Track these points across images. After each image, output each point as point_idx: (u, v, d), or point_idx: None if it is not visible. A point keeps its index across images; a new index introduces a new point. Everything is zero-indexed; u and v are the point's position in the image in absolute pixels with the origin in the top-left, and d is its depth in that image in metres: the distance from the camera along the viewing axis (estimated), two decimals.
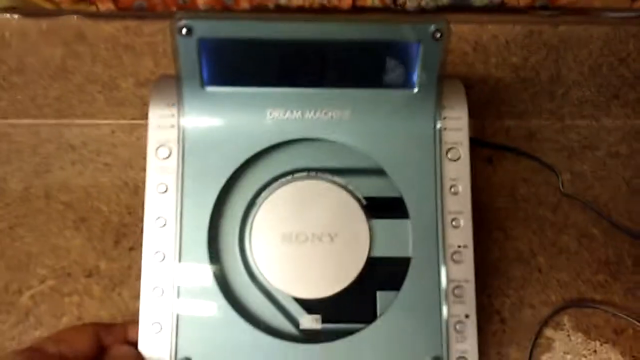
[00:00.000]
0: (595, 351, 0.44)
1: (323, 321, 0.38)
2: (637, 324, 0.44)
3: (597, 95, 0.59)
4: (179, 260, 0.39)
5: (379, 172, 0.39)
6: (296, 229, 0.38)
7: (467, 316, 0.38)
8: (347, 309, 0.38)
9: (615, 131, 0.61)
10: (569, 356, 0.43)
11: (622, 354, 0.43)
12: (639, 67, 0.56)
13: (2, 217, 0.51)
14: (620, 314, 0.44)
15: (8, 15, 0.50)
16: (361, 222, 0.38)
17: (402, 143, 0.39)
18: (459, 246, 0.39)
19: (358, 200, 0.38)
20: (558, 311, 0.45)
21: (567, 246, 0.50)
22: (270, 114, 0.38)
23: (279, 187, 0.39)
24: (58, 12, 0.49)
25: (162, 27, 0.50)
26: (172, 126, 0.39)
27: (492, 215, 0.52)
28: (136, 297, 0.46)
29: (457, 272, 0.38)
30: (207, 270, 0.38)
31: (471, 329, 0.38)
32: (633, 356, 0.43)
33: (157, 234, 0.39)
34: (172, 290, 0.39)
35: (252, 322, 0.38)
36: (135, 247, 0.49)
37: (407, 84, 0.37)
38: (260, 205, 0.39)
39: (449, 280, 0.38)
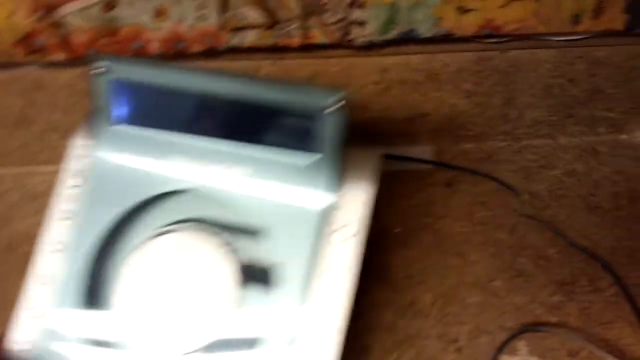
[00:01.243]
0: None
1: None
2: (591, 345, 0.45)
3: (551, 115, 0.60)
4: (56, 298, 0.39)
5: (262, 235, 0.38)
6: (166, 281, 0.37)
7: None
8: None
9: (571, 149, 0.62)
10: None
11: None
12: (589, 86, 0.58)
13: None
14: (572, 338, 0.45)
15: None
16: (231, 285, 0.37)
17: (291, 211, 0.37)
18: (324, 333, 0.36)
19: (233, 262, 0.37)
20: (513, 337, 0.45)
21: (524, 268, 0.50)
22: (172, 160, 0.38)
23: (161, 235, 0.38)
24: (13, 64, 0.50)
25: None
26: (86, 157, 0.40)
27: (450, 241, 0.53)
28: None
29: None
30: (80, 298, 0.38)
31: None
32: None
33: (49, 259, 0.39)
34: (48, 314, 0.39)
35: None
36: None
37: (307, 150, 0.36)
38: (140, 250, 0.38)
39: None
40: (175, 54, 0.50)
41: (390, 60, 0.54)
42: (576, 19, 0.50)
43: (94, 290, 0.39)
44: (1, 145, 0.55)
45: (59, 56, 0.48)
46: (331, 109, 0.34)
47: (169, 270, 0.37)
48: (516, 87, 0.57)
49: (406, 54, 0.53)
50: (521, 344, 0.45)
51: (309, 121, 0.35)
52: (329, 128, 0.35)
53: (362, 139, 0.62)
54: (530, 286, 0.49)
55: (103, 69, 0.36)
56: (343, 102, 0.34)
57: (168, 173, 0.38)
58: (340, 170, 0.37)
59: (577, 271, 0.50)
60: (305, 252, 0.37)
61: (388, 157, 0.60)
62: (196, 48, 0.49)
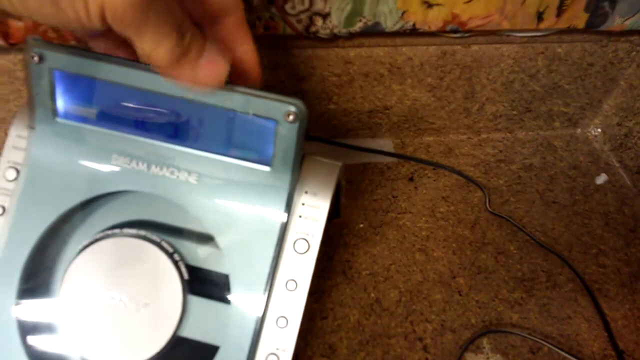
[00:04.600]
0: None
1: None
2: (549, 344, 0.45)
3: (510, 109, 0.60)
4: None
5: (212, 245, 0.36)
6: (107, 289, 0.35)
7: None
8: None
9: (528, 143, 0.63)
10: None
11: None
12: (548, 82, 0.58)
13: None
14: (532, 337, 0.46)
15: None
16: (177, 295, 0.35)
17: (245, 222, 0.35)
18: (278, 349, 0.35)
19: (180, 271, 0.35)
20: (477, 337, 0.46)
21: (485, 265, 0.51)
22: (115, 159, 0.36)
23: (103, 239, 0.35)
24: None
25: None
26: (23, 149, 0.37)
27: (414, 237, 0.52)
28: None
29: None
30: (8, 313, 0.35)
31: None
32: None
33: None
34: None
35: None
36: None
37: (261, 160, 0.35)
38: (78, 255, 0.35)
39: None
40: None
41: (353, 52, 0.52)
42: (540, 15, 0.50)
43: (30, 292, 0.36)
44: None
45: None
46: (288, 119, 0.32)
47: (114, 276, 0.35)
48: (478, 82, 0.57)
49: (370, 46, 0.52)
50: (485, 342, 0.46)
51: (265, 131, 0.33)
52: (286, 139, 0.33)
53: (324, 131, 0.61)
54: (492, 283, 0.50)
55: (42, 58, 0.33)
56: (301, 113, 0.32)
57: (111, 172, 0.36)
58: (297, 181, 0.36)
59: (536, 267, 0.51)
60: (259, 262, 0.35)
61: (349, 148, 0.59)
62: None
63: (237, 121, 0.33)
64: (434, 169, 0.59)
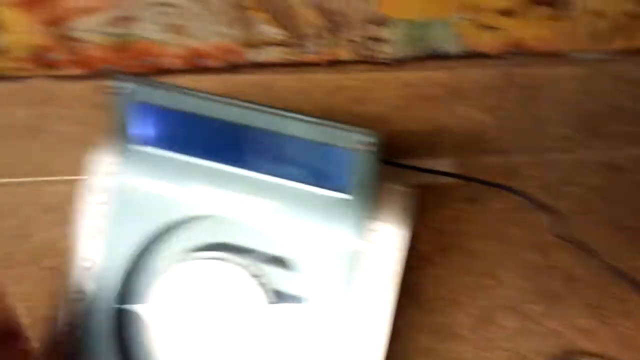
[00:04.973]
0: None
1: None
2: None
3: (574, 130, 0.59)
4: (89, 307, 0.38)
5: (291, 268, 0.37)
6: (193, 308, 0.36)
7: None
8: None
9: (594, 164, 0.61)
10: None
11: None
12: (612, 102, 0.57)
13: None
14: None
15: None
16: (261, 314, 0.36)
17: (322, 247, 0.36)
18: None
19: (263, 291, 0.36)
20: None
21: (555, 291, 0.49)
22: (197, 185, 0.37)
23: (186, 261, 0.37)
24: (24, 77, 0.48)
25: None
26: (109, 175, 0.39)
27: (480, 260, 0.51)
28: None
29: None
30: (107, 320, 0.38)
31: None
32: None
33: (81, 274, 0.38)
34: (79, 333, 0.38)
35: None
36: None
37: (338, 188, 0.35)
38: (163, 277, 0.37)
39: None
40: (193, 69, 0.48)
41: (412, 75, 0.53)
42: (602, 37, 0.49)
43: (122, 312, 0.38)
44: (13, 156, 0.54)
45: (73, 71, 0.46)
46: (364, 149, 0.33)
47: (197, 296, 0.36)
48: (540, 103, 0.56)
49: (428, 69, 0.52)
50: None
51: (342, 160, 0.34)
52: (361, 169, 0.34)
53: (384, 152, 0.61)
54: (563, 309, 0.48)
55: (125, 90, 0.35)
56: (376, 144, 0.33)
57: (192, 198, 0.37)
58: (372, 208, 0.36)
59: (606, 293, 0.49)
60: (337, 291, 0.36)
61: (411, 169, 0.59)
62: (215, 63, 0.48)
63: (316, 150, 0.34)
64: (497, 190, 0.58)
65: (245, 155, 0.36)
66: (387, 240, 0.36)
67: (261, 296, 0.36)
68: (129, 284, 0.38)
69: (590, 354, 0.45)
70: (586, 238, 0.54)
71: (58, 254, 0.51)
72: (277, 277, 0.36)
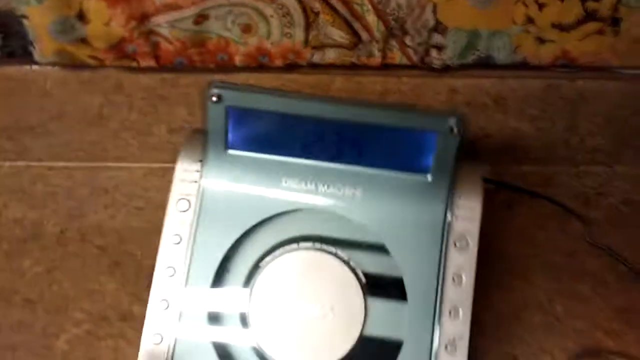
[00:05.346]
0: None
1: None
2: None
3: (611, 144, 0.61)
4: (180, 311, 0.40)
5: (382, 250, 0.40)
6: (294, 298, 0.39)
7: None
8: None
9: (629, 178, 0.63)
10: None
11: None
12: None
13: (39, 261, 0.53)
14: None
15: (50, 67, 0.52)
16: (358, 298, 0.38)
17: (410, 226, 0.39)
18: (454, 338, 0.38)
19: (358, 276, 0.39)
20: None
21: (583, 294, 0.52)
22: (285, 182, 0.40)
23: (283, 253, 0.40)
24: (101, 66, 0.52)
25: (197, 80, 0.53)
26: (194, 182, 0.41)
27: (510, 262, 0.54)
28: None
29: None
30: (205, 326, 0.40)
31: None
32: None
33: (166, 283, 0.41)
34: (170, 339, 0.40)
35: None
36: None
37: (421, 170, 0.38)
38: (263, 270, 0.40)
39: None
40: (257, 67, 0.51)
41: (460, 82, 0.55)
42: None
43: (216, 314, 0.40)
44: (75, 141, 0.57)
45: (148, 63, 0.50)
46: (450, 131, 0.36)
47: (298, 287, 0.39)
48: (580, 115, 0.58)
49: (477, 77, 0.55)
50: None
51: (426, 143, 0.37)
52: (446, 149, 0.37)
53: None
54: (590, 311, 0.50)
55: (220, 97, 0.37)
56: (462, 125, 0.36)
57: (282, 194, 0.40)
58: (453, 186, 0.40)
59: (636, 300, 0.51)
60: (429, 265, 0.39)
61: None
62: (278, 62, 0.51)
63: (399, 136, 0.37)
64: (531, 197, 0.60)
65: (332, 148, 0.39)
66: (467, 214, 0.39)
67: (356, 282, 0.38)
68: (221, 283, 0.40)
69: (614, 353, 0.47)
70: (617, 246, 0.56)
71: (107, 234, 0.55)
72: (370, 262, 0.39)
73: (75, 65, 0.51)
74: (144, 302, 0.50)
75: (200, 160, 0.41)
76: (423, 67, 0.52)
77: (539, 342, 0.48)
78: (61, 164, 0.59)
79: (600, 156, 0.62)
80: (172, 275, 0.41)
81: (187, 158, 0.42)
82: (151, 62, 0.49)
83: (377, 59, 0.50)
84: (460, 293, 0.39)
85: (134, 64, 0.50)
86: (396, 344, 0.39)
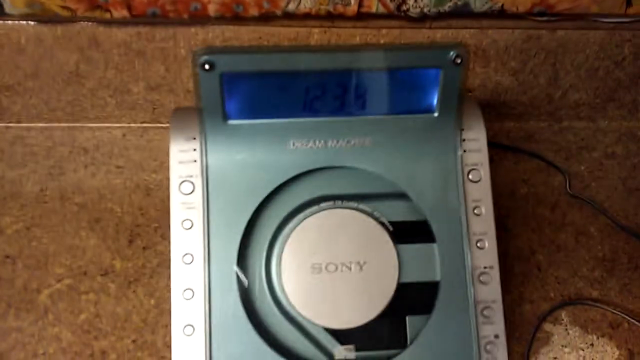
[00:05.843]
0: (592, 344, 0.45)
1: (356, 350, 0.38)
2: (631, 319, 0.46)
3: (594, 97, 0.61)
4: (208, 297, 0.38)
5: (402, 196, 0.39)
6: (325, 258, 0.38)
7: (496, 336, 0.39)
8: (379, 336, 0.38)
9: (611, 133, 0.63)
10: (566, 349, 0.45)
11: (618, 346, 0.45)
12: (634, 70, 0.58)
13: (18, 218, 0.53)
14: (614, 311, 0.46)
15: (24, 22, 0.51)
16: (389, 248, 0.38)
17: (424, 167, 0.39)
18: (485, 267, 0.39)
19: (384, 226, 0.39)
20: (555, 308, 0.46)
21: (565, 244, 0.51)
22: (293, 144, 0.39)
23: (306, 217, 0.39)
24: (73, 19, 0.51)
25: (174, 33, 0.52)
26: (195, 161, 0.39)
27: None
28: (151, 294, 0.48)
29: (485, 293, 0.39)
30: (237, 305, 0.38)
31: (501, 349, 0.39)
32: (628, 349, 0.45)
33: (185, 271, 0.39)
34: (202, 327, 0.38)
35: (285, 355, 0.38)
36: (149, 247, 0.51)
37: (427, 108, 0.38)
38: (287, 236, 0.38)
39: (477, 302, 0.39)
40: (233, 17, 0.51)
41: (439, 33, 0.54)
42: (629, 1, 0.51)
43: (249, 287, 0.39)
44: (53, 100, 0.57)
45: (121, 13, 0.49)
46: (454, 63, 0.35)
47: (328, 246, 0.38)
48: (562, 68, 0.57)
49: (456, 28, 0.54)
50: (563, 315, 0.46)
51: (429, 80, 0.36)
52: (450, 83, 0.36)
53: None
54: (571, 261, 0.50)
55: (212, 64, 0.35)
56: (465, 55, 0.35)
57: (291, 159, 0.39)
58: (459, 120, 0.40)
59: (617, 249, 0.51)
60: (448, 199, 0.39)
61: None
62: (252, 12, 0.50)
63: (401, 78, 0.37)
64: (513, 153, 0.60)
65: (335, 101, 0.38)
66: (475, 146, 0.40)
67: (384, 233, 0.38)
68: (246, 260, 0.39)
69: (596, 300, 0.47)
70: (598, 199, 0.56)
71: (85, 192, 0.54)
72: (393, 210, 0.39)
73: (48, 18, 0.51)
74: (125, 257, 0.51)
75: (194, 138, 0.39)
76: (400, 16, 0.51)
77: (520, 291, 0.48)
78: (40, 125, 0.58)
79: (584, 110, 0.62)
80: (191, 262, 0.39)
81: (179, 137, 0.40)
82: (124, 12, 0.49)
83: (353, 7, 0.49)
84: (482, 224, 0.39)
85: (107, 15, 0.49)
86: (433, 284, 0.39)
